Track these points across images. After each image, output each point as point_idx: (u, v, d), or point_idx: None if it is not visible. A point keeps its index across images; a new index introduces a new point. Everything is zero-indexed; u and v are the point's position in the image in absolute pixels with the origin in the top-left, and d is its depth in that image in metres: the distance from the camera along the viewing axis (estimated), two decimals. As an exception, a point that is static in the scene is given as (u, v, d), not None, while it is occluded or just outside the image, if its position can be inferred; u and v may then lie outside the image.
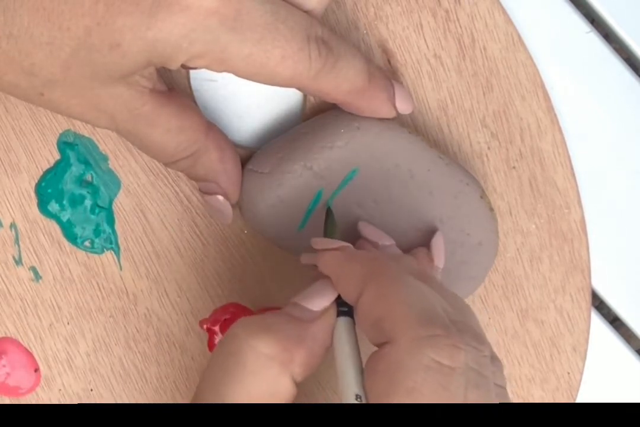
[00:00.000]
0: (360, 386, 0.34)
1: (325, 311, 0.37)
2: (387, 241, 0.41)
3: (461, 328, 0.34)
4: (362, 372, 0.35)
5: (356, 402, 0.34)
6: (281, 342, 0.35)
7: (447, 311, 0.35)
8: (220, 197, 0.43)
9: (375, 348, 0.35)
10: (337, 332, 0.36)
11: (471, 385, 0.33)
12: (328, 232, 0.41)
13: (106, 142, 0.44)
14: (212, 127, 0.42)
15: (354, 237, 0.42)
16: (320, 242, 0.39)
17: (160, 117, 0.40)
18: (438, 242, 0.42)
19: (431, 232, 0.43)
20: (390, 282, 0.35)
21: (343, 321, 0.37)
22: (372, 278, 0.35)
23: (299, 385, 0.35)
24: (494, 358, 0.35)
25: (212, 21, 0.37)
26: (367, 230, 0.42)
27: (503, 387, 0.35)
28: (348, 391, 0.34)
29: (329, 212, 0.42)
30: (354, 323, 0.37)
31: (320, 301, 0.37)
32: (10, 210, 0.44)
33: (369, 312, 0.35)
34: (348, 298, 0.36)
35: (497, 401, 0.34)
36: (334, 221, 0.41)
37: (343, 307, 0.37)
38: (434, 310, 0.34)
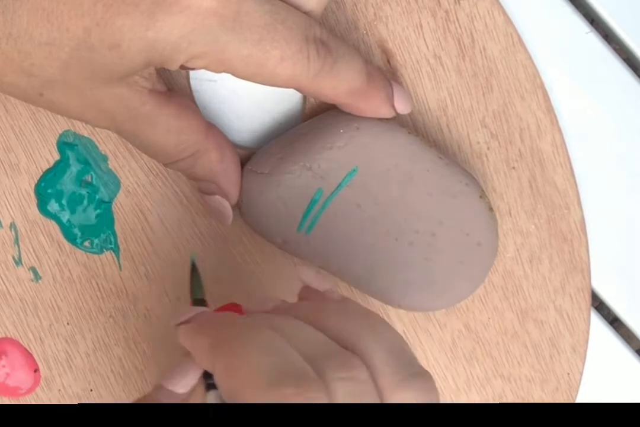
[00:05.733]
0: None
1: (193, 389, 0.35)
2: (326, 285, 0.38)
3: (320, 363, 0.32)
4: None
5: None
6: None
7: (303, 350, 0.32)
8: (220, 198, 0.43)
9: None
10: None
11: None
12: (194, 290, 0.40)
13: (106, 142, 0.44)
14: (211, 127, 0.42)
15: (347, 241, 0.42)
16: (175, 317, 0.37)
17: (159, 118, 0.40)
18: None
19: (431, 233, 0.43)
20: (235, 351, 0.33)
21: (212, 395, 0.34)
22: (219, 349, 0.33)
23: None
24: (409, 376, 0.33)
25: (211, 22, 0.37)
26: (306, 277, 0.38)
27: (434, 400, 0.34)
28: None
29: (193, 267, 0.40)
30: None
31: (184, 381, 0.35)
32: (10, 210, 0.44)
33: (224, 385, 0.33)
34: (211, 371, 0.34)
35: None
36: (198, 276, 0.40)
37: (212, 380, 0.34)
38: (286, 366, 0.32)
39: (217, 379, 0.33)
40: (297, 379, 0.31)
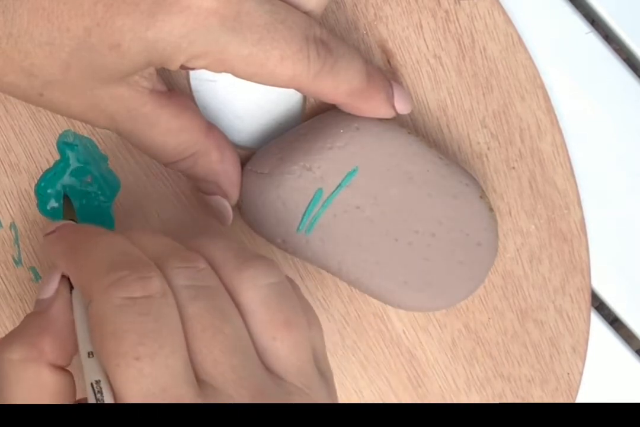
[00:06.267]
0: (91, 345, 0.35)
1: (58, 291, 0.37)
2: None
3: (160, 259, 0.35)
4: None
5: (89, 358, 0.34)
6: (25, 342, 0.35)
7: (148, 249, 0.35)
8: (219, 198, 0.43)
9: None
10: (73, 305, 0.37)
11: (187, 300, 0.34)
12: (65, 214, 0.43)
13: (106, 142, 0.44)
14: (212, 127, 0.42)
15: (347, 241, 0.42)
16: (44, 229, 0.40)
17: (160, 118, 0.40)
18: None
19: (431, 234, 0.43)
20: (82, 251, 0.36)
21: (75, 293, 0.37)
22: (71, 251, 0.36)
23: (66, 367, 0.36)
24: (245, 266, 0.35)
25: (211, 21, 0.37)
26: None
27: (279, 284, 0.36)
28: (82, 350, 0.35)
29: (65, 198, 0.44)
30: None
31: (48, 287, 0.37)
32: (10, 210, 0.44)
33: (75, 283, 0.36)
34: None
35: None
36: (71, 205, 0.43)
37: None
38: (123, 256, 0.35)
39: (71, 278, 0.36)
40: (131, 264, 0.34)
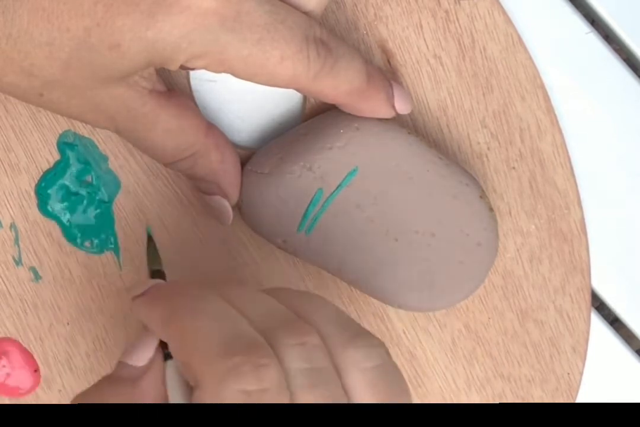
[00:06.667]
0: None
1: (152, 361, 0.35)
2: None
3: (271, 332, 0.32)
4: None
5: None
6: None
7: (255, 319, 0.33)
8: (220, 198, 0.43)
9: None
10: (167, 378, 0.34)
11: (303, 389, 0.31)
12: (150, 261, 0.40)
13: (106, 142, 0.44)
14: (211, 127, 0.42)
15: (347, 241, 0.42)
16: (131, 290, 0.37)
17: (159, 118, 0.40)
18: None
19: (431, 234, 0.43)
20: (186, 322, 0.33)
21: (170, 365, 0.34)
22: (171, 321, 0.33)
23: None
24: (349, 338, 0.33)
25: (211, 22, 0.37)
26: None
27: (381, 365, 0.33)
28: None
29: (149, 239, 0.41)
30: None
31: (142, 354, 0.35)
32: (10, 210, 0.44)
33: (177, 356, 0.33)
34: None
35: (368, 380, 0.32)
36: (155, 247, 0.41)
37: (169, 349, 0.34)
38: (235, 331, 0.32)
39: (172, 351, 0.33)
40: (245, 347, 0.31)
